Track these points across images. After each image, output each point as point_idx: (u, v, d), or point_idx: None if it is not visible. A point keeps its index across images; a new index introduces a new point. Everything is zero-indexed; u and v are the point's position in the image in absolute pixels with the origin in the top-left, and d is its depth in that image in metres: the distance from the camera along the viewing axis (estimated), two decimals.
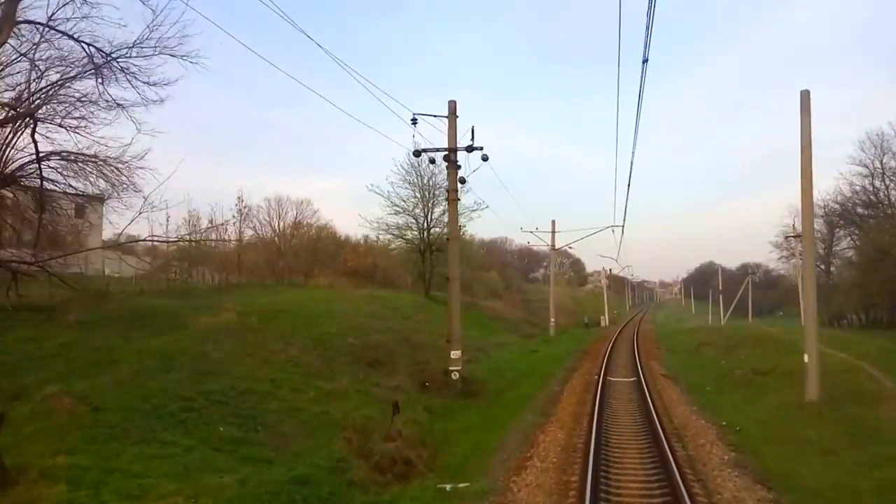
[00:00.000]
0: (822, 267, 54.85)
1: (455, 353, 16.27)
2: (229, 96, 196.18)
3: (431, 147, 16.79)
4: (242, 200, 32.63)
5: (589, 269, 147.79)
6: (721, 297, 64.16)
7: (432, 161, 17.69)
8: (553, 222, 38.39)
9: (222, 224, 32.85)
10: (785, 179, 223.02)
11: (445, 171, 16.77)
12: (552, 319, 37.95)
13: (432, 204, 33.68)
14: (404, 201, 34.14)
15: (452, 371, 16.13)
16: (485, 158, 17.07)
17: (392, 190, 33.88)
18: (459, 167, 16.95)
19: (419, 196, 33.72)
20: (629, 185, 25.75)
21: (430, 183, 33.17)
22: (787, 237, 49.39)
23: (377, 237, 36.85)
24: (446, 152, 16.70)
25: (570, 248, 38.24)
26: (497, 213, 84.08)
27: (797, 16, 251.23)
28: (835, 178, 50.01)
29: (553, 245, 38.17)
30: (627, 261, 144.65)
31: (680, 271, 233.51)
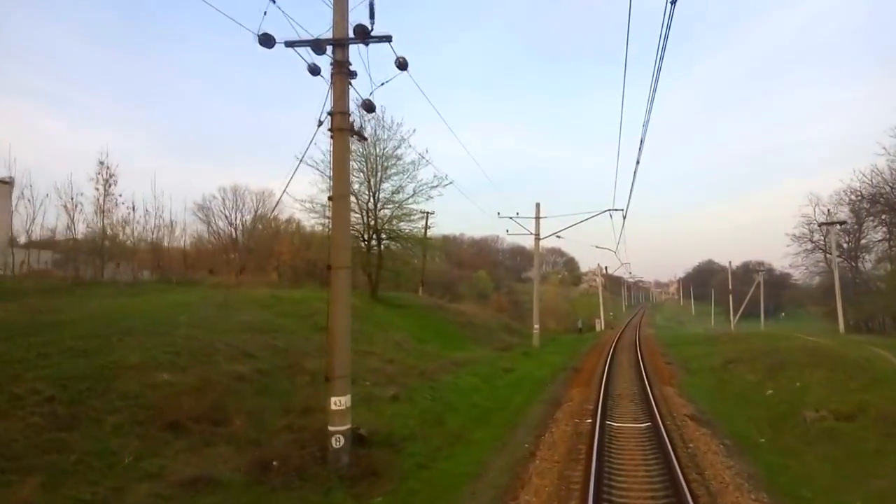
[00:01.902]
0: (846, 262, 48.21)
1: (338, 402, 9.14)
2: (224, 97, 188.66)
3: (299, 39, 9.59)
4: (106, 168, 24.53)
5: (584, 267, 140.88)
6: (730, 297, 57.20)
7: (314, 72, 10.42)
8: (537, 206, 31.50)
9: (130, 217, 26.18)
10: (781, 178, 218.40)
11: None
12: (536, 326, 30.93)
13: (380, 177, 26.61)
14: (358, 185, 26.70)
15: (334, 435, 9.03)
16: (401, 66, 9.98)
17: (325, 159, 26.33)
18: (354, 75, 9.82)
19: (361, 166, 26.64)
20: (640, 154, 18.91)
21: (379, 151, 26.19)
22: (820, 224, 42.48)
23: (312, 225, 29.54)
24: (328, 45, 9.56)
25: (558, 236, 30.55)
26: (482, 206, 77.20)
27: (786, 16, 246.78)
28: (876, 153, 43.47)
29: (537, 233, 31.18)
30: (626, 256, 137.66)
31: (675, 271, 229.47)
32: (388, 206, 26.89)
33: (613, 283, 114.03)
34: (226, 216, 38.82)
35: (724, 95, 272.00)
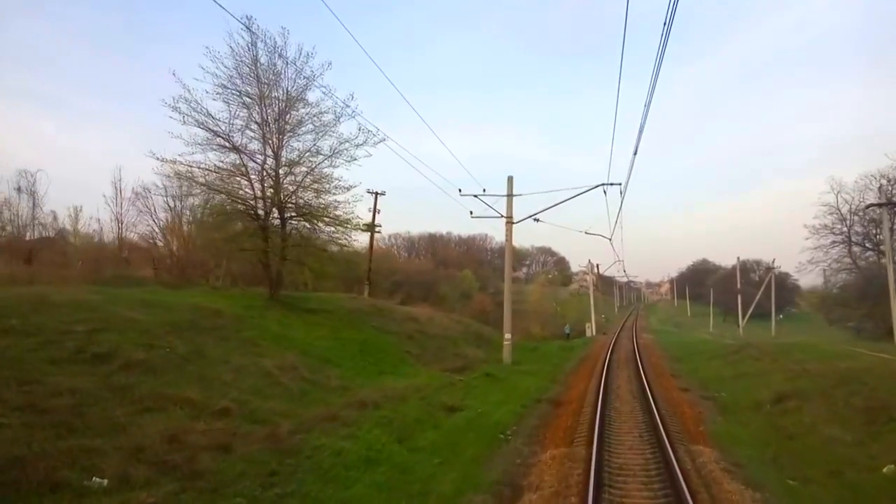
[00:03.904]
0: (876, 257, 41.56)
1: None
2: None
3: None
4: None
5: (574, 266, 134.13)
6: (739, 298, 50.35)
7: None
8: (510, 180, 24.31)
9: None
10: (772, 179, 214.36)
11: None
12: (507, 335, 23.71)
13: (281, 133, 19.25)
14: (223, 124, 18.79)
15: None
16: None
17: (201, 106, 18.58)
18: None
19: (253, 112, 19.07)
20: (644, 122, 12.67)
21: (281, 94, 18.92)
22: (868, 206, 35.40)
23: (193, 213, 21.77)
24: None
25: (536, 219, 23.06)
26: (464, 204, 69.62)
27: (776, 19, 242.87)
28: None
29: (509, 216, 24.00)
30: (622, 248, 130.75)
31: (665, 271, 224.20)
32: (299, 173, 19.60)
33: (605, 284, 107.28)
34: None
35: (714, 97, 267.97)
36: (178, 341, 11.86)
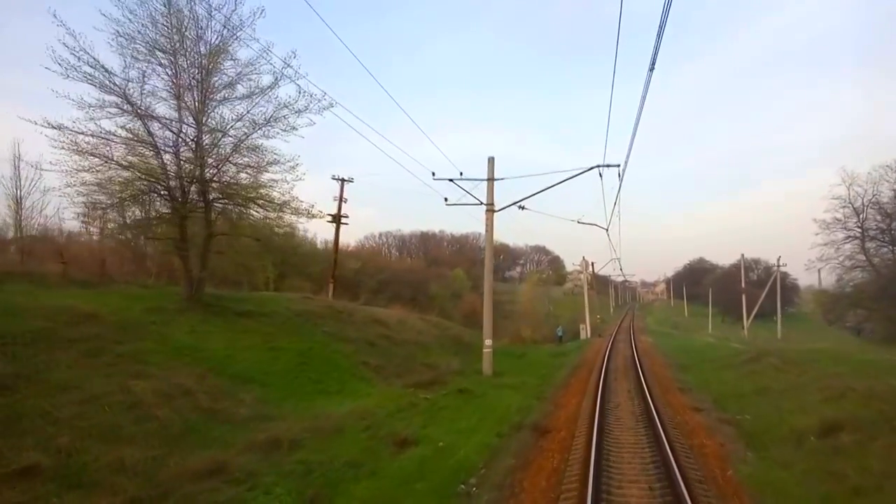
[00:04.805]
0: (892, 254, 38.69)
1: None
2: None
3: None
4: None
5: (569, 266, 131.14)
6: (743, 298, 47.35)
7: None
8: (490, 162, 21.03)
9: None
10: (767, 179, 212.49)
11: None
12: (487, 342, 20.44)
13: (204, 97, 15.91)
14: (119, 80, 14.97)
15: None
16: None
17: (88, 55, 14.60)
18: None
19: (169, 70, 15.71)
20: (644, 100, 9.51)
21: (205, 50, 15.60)
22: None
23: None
24: None
25: (522, 206, 19.78)
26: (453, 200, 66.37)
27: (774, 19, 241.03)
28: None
29: (490, 202, 20.72)
30: (618, 245, 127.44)
31: (660, 270, 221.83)
32: (226, 144, 16.24)
33: (600, 283, 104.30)
34: None
35: (709, 97, 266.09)
36: None
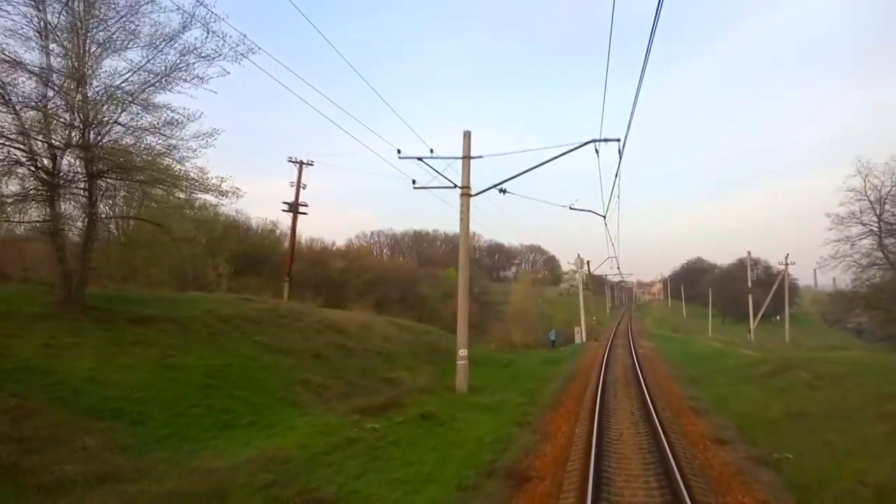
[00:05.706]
0: None
1: None
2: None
3: None
4: None
5: (564, 265, 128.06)
6: (750, 298, 44.20)
7: None
8: (466, 136, 17.66)
9: None
10: (764, 179, 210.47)
11: None
12: (462, 352, 17.08)
13: (83, 42, 12.46)
14: None
15: None
16: None
17: None
18: None
19: (33, 14, 12.07)
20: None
21: None
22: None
23: None
24: None
25: (502, 190, 16.34)
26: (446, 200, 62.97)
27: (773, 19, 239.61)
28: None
29: (465, 185, 17.42)
30: (616, 240, 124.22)
31: (656, 270, 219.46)
32: (114, 100, 12.78)
33: (596, 284, 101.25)
34: None
35: (706, 97, 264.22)
36: None
